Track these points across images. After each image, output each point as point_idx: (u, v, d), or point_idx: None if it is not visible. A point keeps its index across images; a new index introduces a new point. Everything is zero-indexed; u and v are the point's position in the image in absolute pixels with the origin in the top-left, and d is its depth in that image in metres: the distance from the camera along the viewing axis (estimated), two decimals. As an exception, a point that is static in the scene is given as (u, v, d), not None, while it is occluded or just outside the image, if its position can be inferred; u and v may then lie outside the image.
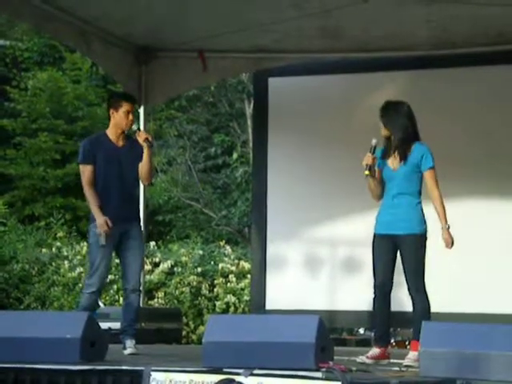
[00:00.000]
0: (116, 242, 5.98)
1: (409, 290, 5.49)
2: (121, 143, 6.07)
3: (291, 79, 8.43)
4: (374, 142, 5.56)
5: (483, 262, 7.53)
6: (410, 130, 5.55)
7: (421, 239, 5.50)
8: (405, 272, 5.49)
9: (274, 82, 8.44)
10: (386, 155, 5.60)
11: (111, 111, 6.08)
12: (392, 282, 5.55)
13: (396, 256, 5.55)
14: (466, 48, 7.56)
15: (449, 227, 5.49)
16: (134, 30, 7.73)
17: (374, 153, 5.55)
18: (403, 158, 5.51)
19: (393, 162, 5.56)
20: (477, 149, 7.75)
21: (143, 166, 5.99)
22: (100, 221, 5.91)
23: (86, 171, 6.07)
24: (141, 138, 5.95)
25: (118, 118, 6.03)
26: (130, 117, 6.01)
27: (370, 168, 5.53)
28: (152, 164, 6.05)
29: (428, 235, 5.54)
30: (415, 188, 5.53)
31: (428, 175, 5.53)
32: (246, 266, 11.34)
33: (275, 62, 8.14)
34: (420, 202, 5.55)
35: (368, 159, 5.52)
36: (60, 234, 13.33)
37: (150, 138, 5.95)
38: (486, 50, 7.49)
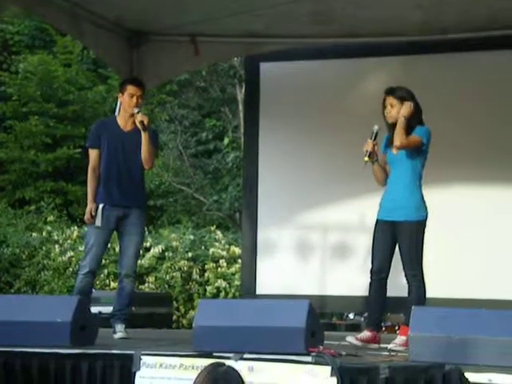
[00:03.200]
0: (113, 225, 6.00)
1: (406, 276, 5.50)
2: (129, 128, 6.08)
3: (283, 64, 8.41)
4: (375, 128, 5.53)
5: (479, 247, 7.54)
6: (419, 113, 5.56)
7: (418, 226, 5.48)
8: (402, 259, 5.50)
9: (265, 67, 8.42)
10: (390, 141, 5.57)
11: (119, 95, 6.17)
12: (389, 269, 5.56)
13: (395, 243, 5.56)
14: (457, 33, 7.54)
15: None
16: (126, 14, 7.69)
17: (374, 139, 5.52)
18: None
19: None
20: (468, 135, 7.75)
21: (142, 150, 6.00)
22: (87, 208, 6.00)
23: (91, 155, 6.13)
24: (136, 120, 5.97)
25: (124, 102, 6.08)
26: (134, 100, 6.02)
27: (370, 154, 5.51)
28: (150, 148, 5.99)
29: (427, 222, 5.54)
30: (415, 171, 5.50)
31: (412, 135, 5.45)
32: (237, 251, 11.37)
33: (267, 46, 8.11)
34: (419, 187, 5.53)
35: (368, 145, 5.50)
36: (50, 219, 13.32)
37: (145, 122, 5.94)
38: (477, 35, 7.47)
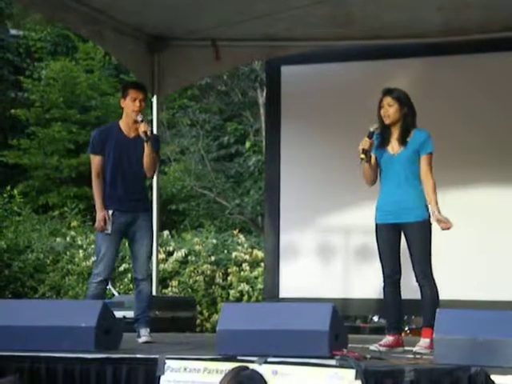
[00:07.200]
0: (122, 231, 6.01)
1: (417, 277, 5.48)
2: (132, 134, 6.04)
3: (303, 67, 8.42)
4: (373, 127, 5.59)
5: (495, 249, 7.51)
6: (414, 116, 5.60)
7: (428, 225, 5.51)
8: (412, 259, 5.49)
9: (286, 70, 8.43)
10: (383, 142, 5.59)
11: (122, 101, 6.10)
12: (401, 270, 5.55)
13: (400, 244, 5.55)
14: (478, 34, 7.52)
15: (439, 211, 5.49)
16: (147, 19, 7.73)
17: (371, 138, 5.55)
18: (405, 142, 5.53)
19: (393, 148, 5.57)
20: (488, 136, 7.71)
21: (145, 160, 5.98)
22: (99, 216, 5.96)
23: (94, 161, 6.10)
24: (140, 129, 5.92)
25: (127, 107, 6.03)
26: (137, 104, 5.97)
27: (366, 153, 5.54)
28: (151, 158, 5.96)
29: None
30: (416, 173, 5.54)
31: (425, 160, 5.54)
32: (260, 254, 11.34)
33: (287, 50, 8.12)
34: (422, 187, 5.54)
35: (365, 143, 5.53)
36: (74, 224, 13.36)
37: (148, 132, 5.89)
38: (498, 36, 7.45)
